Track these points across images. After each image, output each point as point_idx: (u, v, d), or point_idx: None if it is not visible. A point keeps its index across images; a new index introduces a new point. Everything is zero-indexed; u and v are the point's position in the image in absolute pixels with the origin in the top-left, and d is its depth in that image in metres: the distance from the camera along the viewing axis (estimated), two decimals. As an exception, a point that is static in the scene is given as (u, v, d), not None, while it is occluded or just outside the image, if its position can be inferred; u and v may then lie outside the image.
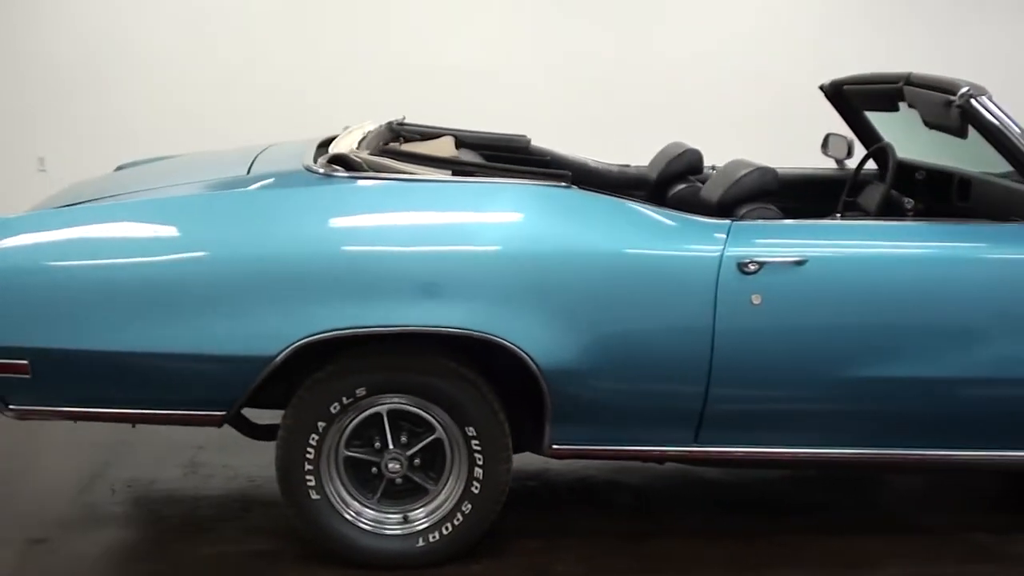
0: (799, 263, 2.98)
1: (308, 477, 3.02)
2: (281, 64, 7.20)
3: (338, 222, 2.97)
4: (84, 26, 7.10)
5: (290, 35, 7.36)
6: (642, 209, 3.07)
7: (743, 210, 3.26)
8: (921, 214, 3.81)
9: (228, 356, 2.89)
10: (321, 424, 2.99)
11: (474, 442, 3.04)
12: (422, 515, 3.10)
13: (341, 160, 3.10)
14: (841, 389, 3.05)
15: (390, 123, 4.20)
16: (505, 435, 3.06)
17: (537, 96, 7.48)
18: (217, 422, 3.06)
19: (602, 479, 3.81)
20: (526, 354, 2.91)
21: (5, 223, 2.94)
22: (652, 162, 4.22)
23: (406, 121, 4.27)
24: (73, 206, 3.06)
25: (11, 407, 2.99)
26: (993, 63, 7.34)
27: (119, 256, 2.88)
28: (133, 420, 3.12)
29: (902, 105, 3.85)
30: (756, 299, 2.97)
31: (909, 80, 3.65)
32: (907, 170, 3.91)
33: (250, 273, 2.87)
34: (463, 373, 3.02)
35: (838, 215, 3.50)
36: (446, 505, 3.09)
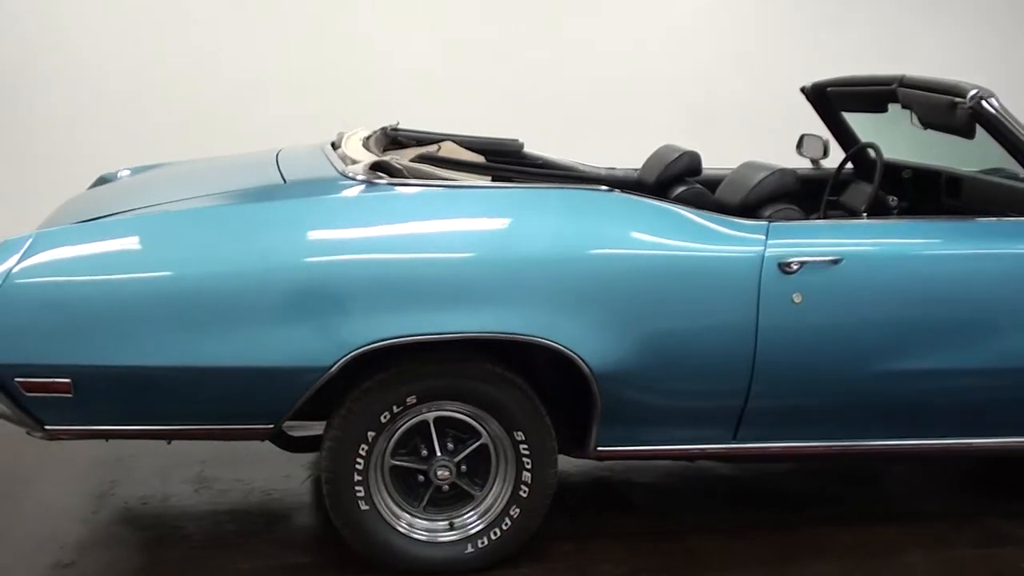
0: (835, 262, 3.07)
1: (358, 488, 2.99)
2: (247, 70, 7.09)
3: (390, 229, 2.95)
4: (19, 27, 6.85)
5: (251, 41, 7.24)
6: (684, 212, 3.13)
7: (768, 211, 3.34)
8: (905, 212, 3.96)
9: (281, 368, 2.84)
10: (371, 433, 2.97)
11: (523, 447, 3.05)
12: (469, 521, 3.11)
13: (383, 167, 3.08)
14: (876, 383, 3.16)
15: (384, 128, 4.19)
16: (552, 439, 3.08)
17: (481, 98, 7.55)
18: (264, 435, 3.02)
19: (616, 479, 3.86)
20: (579, 357, 2.94)
21: (41, 237, 2.85)
22: (646, 165, 4.28)
23: (399, 126, 4.26)
24: (107, 218, 2.96)
25: (47, 427, 2.90)
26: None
27: (166, 268, 2.81)
28: (174, 436, 3.05)
29: (891, 106, 4.01)
30: (797, 298, 3.05)
31: (903, 82, 3.78)
32: (890, 169, 4.04)
33: (303, 283, 2.83)
34: (510, 378, 3.03)
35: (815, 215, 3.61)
36: (494, 510, 3.10)
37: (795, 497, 3.81)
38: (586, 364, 2.95)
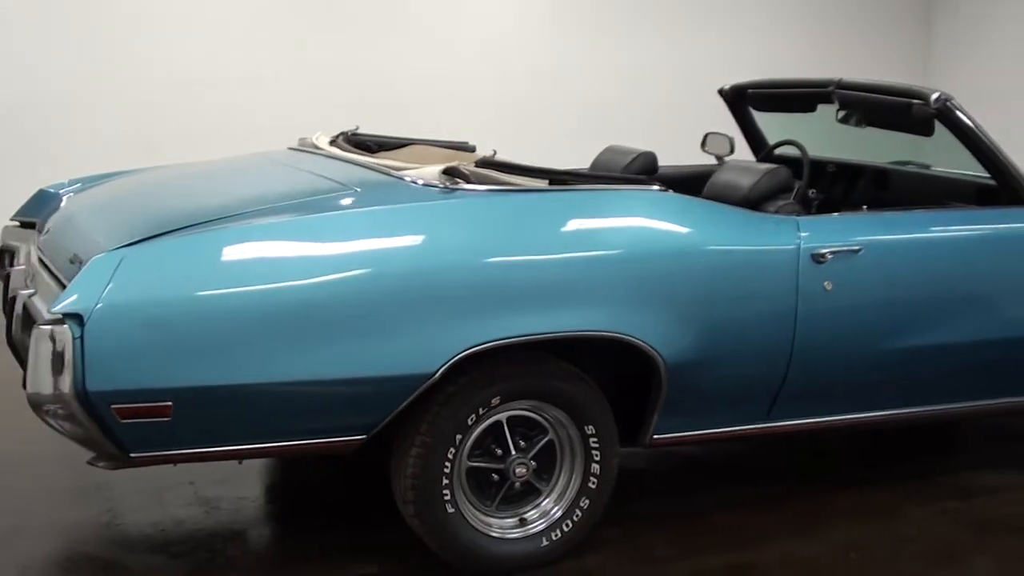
0: (856, 251, 3.35)
1: (445, 492, 2.99)
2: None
3: (479, 233, 2.95)
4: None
5: (180, 50, 7.04)
6: (729, 209, 3.32)
7: (772, 206, 3.58)
8: (824, 204, 4.35)
9: (385, 377, 2.81)
10: (459, 436, 2.98)
11: (592, 440, 3.15)
12: (538, 515, 3.17)
13: (455, 172, 3.09)
14: (893, 358, 3.47)
15: (343, 133, 4.16)
16: (615, 430, 3.20)
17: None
18: (356, 448, 2.96)
19: (622, 465, 3.98)
20: (656, 351, 3.07)
21: (132, 255, 2.67)
22: (596, 167, 4.44)
23: (359, 131, 4.25)
24: (190, 232, 2.79)
25: (133, 454, 2.73)
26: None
27: (264, 282, 2.70)
28: (264, 455, 2.94)
29: (821, 106, 4.38)
30: (828, 285, 3.30)
31: (840, 84, 4.14)
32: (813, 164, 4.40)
33: (402, 290, 2.80)
34: (579, 375, 3.12)
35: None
36: (563, 503, 3.18)
37: (791, 470, 4.06)
38: (661, 357, 3.08)
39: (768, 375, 3.34)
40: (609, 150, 4.48)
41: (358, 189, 3.10)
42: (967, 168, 4.14)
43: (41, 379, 2.57)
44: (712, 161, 4.95)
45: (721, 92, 4.94)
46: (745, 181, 3.64)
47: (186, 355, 2.64)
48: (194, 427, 2.73)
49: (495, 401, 3.01)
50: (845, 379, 3.48)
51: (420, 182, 3.09)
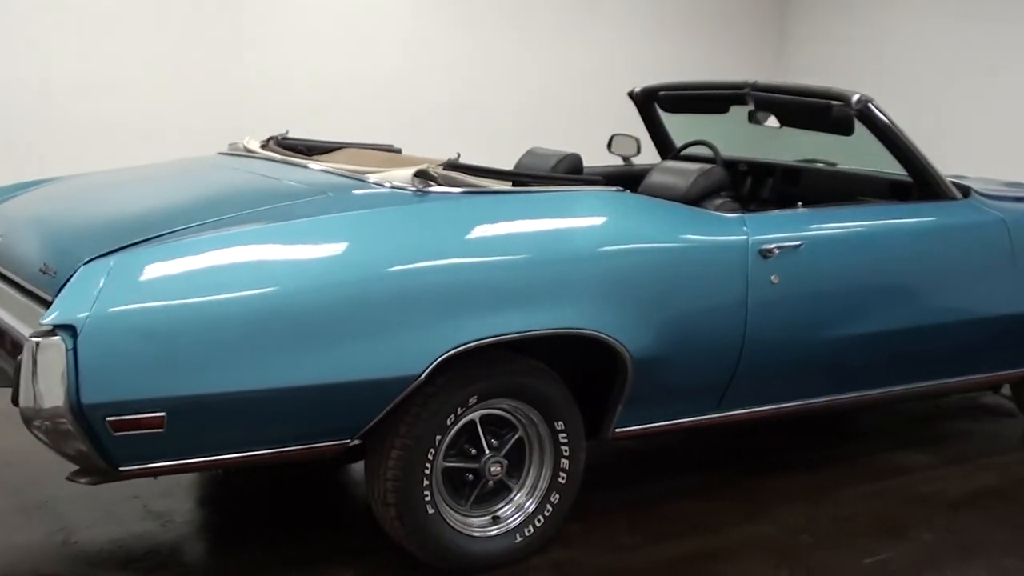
0: (798, 246, 3.52)
1: (425, 493, 3.02)
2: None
3: (458, 235, 2.99)
4: None
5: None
6: (682, 208, 3.44)
7: (712, 203, 3.72)
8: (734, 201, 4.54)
9: (372, 380, 2.82)
10: (438, 437, 3.02)
11: (562, 435, 3.23)
12: (510, 512, 3.23)
13: (426, 175, 3.12)
14: (834, 346, 3.66)
15: (273, 138, 4.15)
16: (582, 426, 3.28)
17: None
18: (341, 451, 2.96)
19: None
20: (623, 346, 3.17)
21: (123, 261, 2.61)
22: (520, 169, 4.51)
23: (289, 135, 4.23)
24: (179, 238, 2.74)
25: (123, 467, 2.68)
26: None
27: (254, 287, 2.68)
28: (252, 463, 2.90)
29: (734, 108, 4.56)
30: (775, 279, 3.46)
31: (756, 87, 4.33)
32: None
33: (387, 292, 2.82)
34: (548, 372, 3.19)
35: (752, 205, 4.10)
36: (535, 498, 3.24)
37: (724, 459, 4.22)
38: (628, 352, 3.18)
39: (721, 367, 3.47)
40: (531, 153, 4.54)
41: (330, 193, 3.10)
42: (870, 166, 4.41)
43: (35, 393, 2.50)
44: (618, 162, 5.11)
45: (631, 94, 5.08)
46: (682, 181, 3.75)
47: (179, 364, 2.61)
48: (185, 438, 2.69)
49: (472, 400, 3.05)
50: (789, 368, 3.65)
51: (388, 185, 3.12)
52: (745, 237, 3.44)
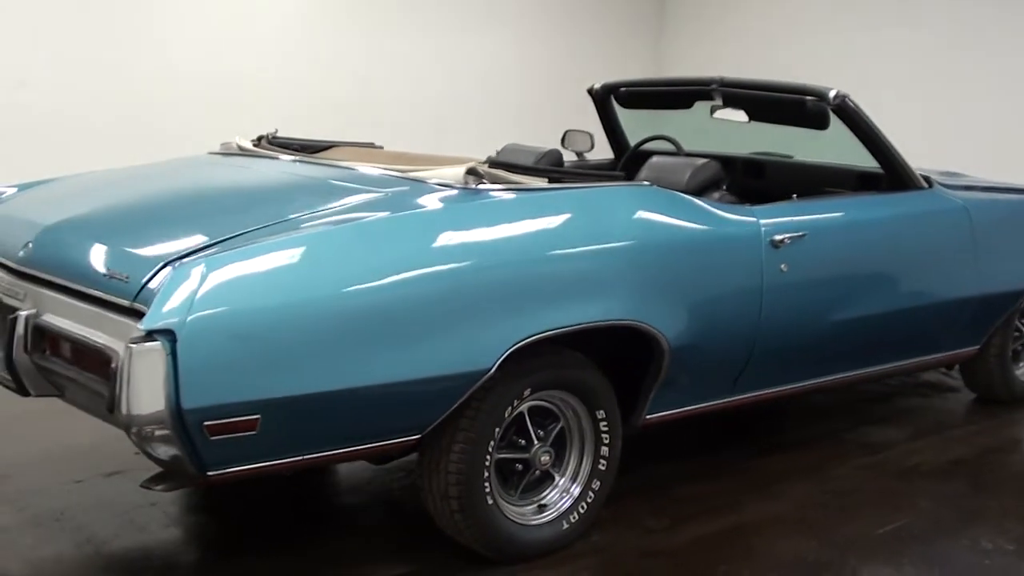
0: (803, 236, 3.71)
1: (486, 485, 3.08)
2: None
3: (518, 231, 3.05)
4: None
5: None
6: (704, 202, 3.58)
7: (712, 197, 3.87)
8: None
9: (447, 375, 2.87)
10: (497, 429, 3.08)
11: (603, 424, 3.33)
12: (556, 500, 3.31)
13: (476, 173, 3.17)
14: (836, 329, 3.87)
15: (262, 137, 4.13)
16: (619, 414, 3.39)
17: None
18: (411, 448, 2.99)
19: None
20: (663, 335, 3.29)
21: (214, 263, 2.59)
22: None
23: (279, 133, 4.21)
24: (260, 238, 2.74)
25: (212, 472, 2.65)
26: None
27: (341, 286, 2.70)
28: (327, 462, 2.90)
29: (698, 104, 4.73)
30: (784, 267, 3.64)
31: (724, 82, 4.51)
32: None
33: (462, 287, 2.88)
34: (590, 363, 3.29)
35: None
36: (577, 485, 3.33)
37: (716, 443, 4.37)
38: (667, 340, 3.31)
39: (739, 352, 3.63)
40: (508, 149, 4.61)
41: (388, 192, 3.12)
42: (826, 158, 4.66)
43: (134, 399, 2.46)
44: (573, 157, 5.24)
45: (590, 91, 5.21)
46: (680, 176, 3.87)
47: (273, 365, 2.61)
48: (276, 440, 2.69)
49: (527, 393, 3.12)
50: (794, 352, 3.84)
51: (443, 183, 3.16)
52: (758, 228, 3.60)
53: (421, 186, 3.18)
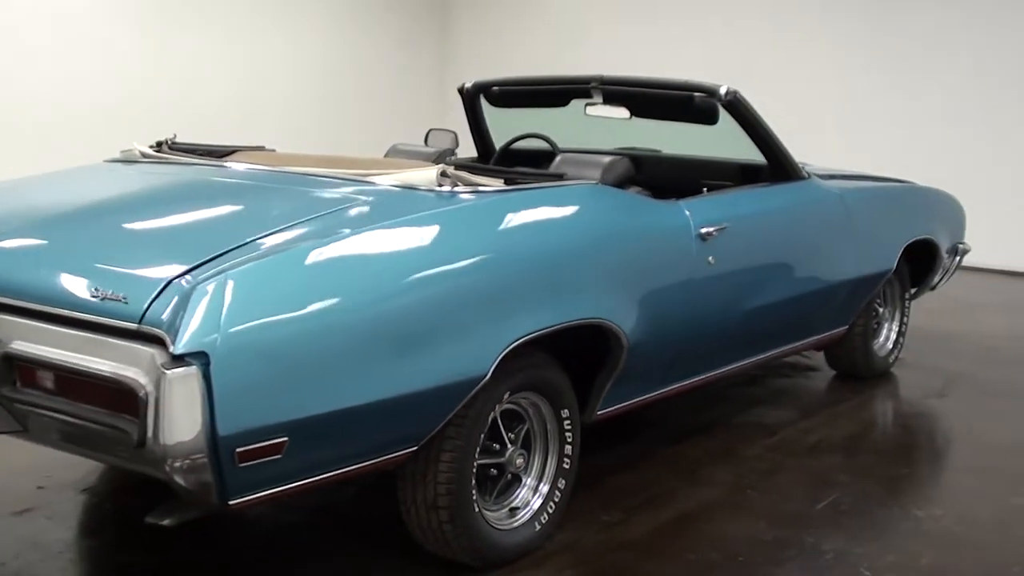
0: (725, 228, 3.84)
1: (472, 492, 3.03)
2: None
3: (502, 233, 3.05)
4: None
5: None
6: (644, 198, 3.64)
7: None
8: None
9: (449, 383, 2.81)
10: (482, 435, 3.04)
11: (566, 423, 3.33)
12: (525, 502, 3.28)
13: (446, 175, 3.11)
14: (751, 317, 4.04)
15: (161, 144, 3.92)
16: (579, 412, 3.40)
17: None
18: (404, 461, 2.89)
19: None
20: (623, 331, 3.33)
21: (240, 278, 2.42)
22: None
23: (177, 139, 4.00)
24: (273, 250, 2.59)
25: (233, 501, 2.47)
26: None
27: (359, 297, 2.61)
28: (332, 483, 2.74)
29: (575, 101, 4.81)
30: (712, 260, 3.76)
31: (604, 80, 4.60)
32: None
33: (465, 291, 2.87)
34: (555, 363, 3.29)
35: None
36: (544, 485, 3.32)
37: (626, 436, 4.43)
38: (625, 336, 3.35)
39: (674, 345, 3.72)
40: (396, 150, 4.53)
41: (372, 199, 3.01)
42: (693, 151, 4.85)
43: (174, 430, 2.28)
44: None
45: (461, 90, 5.18)
46: (594, 172, 3.93)
47: (299, 383, 2.47)
48: (297, 462, 2.55)
49: (505, 396, 3.09)
50: (716, 340, 3.98)
51: (406, 186, 3.09)
52: (689, 223, 3.70)
53: (398, 191, 3.08)
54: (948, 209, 5.56)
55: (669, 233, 3.63)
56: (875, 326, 5.27)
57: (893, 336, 5.37)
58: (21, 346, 2.59)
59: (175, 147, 3.88)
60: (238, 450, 2.37)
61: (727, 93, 4.20)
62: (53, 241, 2.87)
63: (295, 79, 10.34)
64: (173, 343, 2.28)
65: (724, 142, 4.52)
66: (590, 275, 3.25)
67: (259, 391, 2.40)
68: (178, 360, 2.28)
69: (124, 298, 2.46)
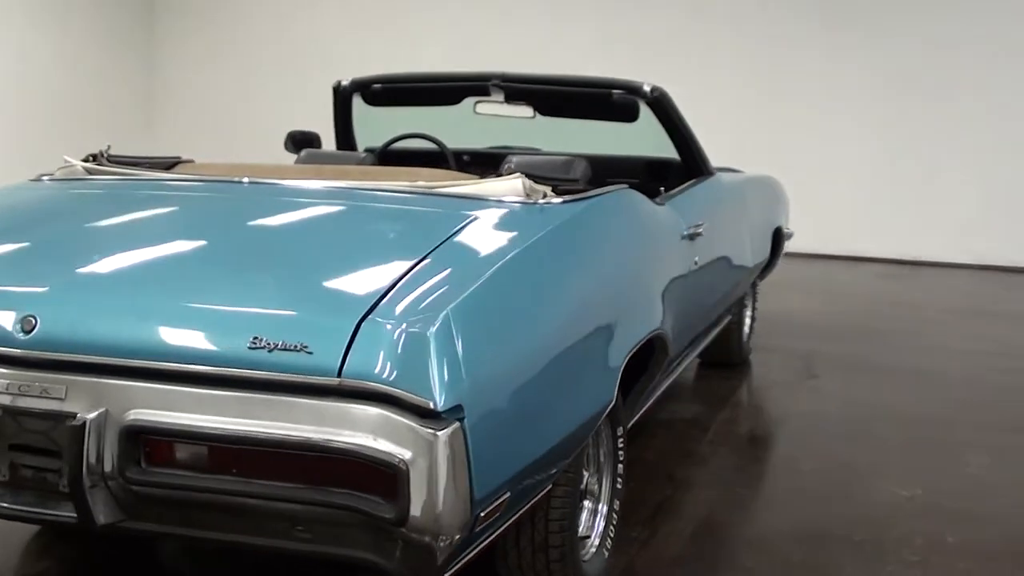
0: (700, 227, 3.81)
1: (578, 524, 2.82)
2: None
3: (606, 242, 2.96)
4: None
5: None
6: (650, 200, 3.53)
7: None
8: None
9: (597, 408, 2.64)
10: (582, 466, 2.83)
11: (620, 440, 3.16)
12: (593, 525, 3.07)
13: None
14: (707, 312, 4.10)
15: (96, 155, 3.39)
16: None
17: None
18: None
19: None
20: (669, 338, 3.23)
21: (458, 314, 2.07)
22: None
23: (111, 151, 3.44)
24: (422, 277, 2.21)
25: (448, 570, 2.12)
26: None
27: (546, 324, 2.39)
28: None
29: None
30: (697, 260, 3.73)
31: (505, 77, 4.44)
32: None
33: (601, 306, 2.73)
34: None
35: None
36: (603, 507, 3.13)
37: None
38: (671, 343, 3.24)
39: (674, 346, 3.64)
40: (312, 155, 4.11)
41: (479, 215, 2.66)
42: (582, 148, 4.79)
43: (437, 501, 1.92)
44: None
45: (336, 88, 4.79)
46: (561, 173, 3.76)
47: (521, 429, 2.17)
48: (505, 520, 2.24)
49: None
50: (688, 339, 3.94)
51: (507, 199, 2.82)
52: (679, 223, 3.64)
53: (502, 206, 2.76)
54: (784, 195, 5.86)
55: (675, 235, 3.57)
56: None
57: (749, 321, 5.59)
58: (149, 415, 2.06)
59: (113, 159, 3.29)
60: (480, 514, 2.04)
61: (653, 91, 4.15)
62: (139, 284, 2.32)
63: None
64: (429, 399, 1.92)
65: (601, 139, 4.49)
66: (655, 284, 3.13)
67: (499, 442, 2.08)
68: (436, 418, 1.92)
69: (305, 347, 2.02)
